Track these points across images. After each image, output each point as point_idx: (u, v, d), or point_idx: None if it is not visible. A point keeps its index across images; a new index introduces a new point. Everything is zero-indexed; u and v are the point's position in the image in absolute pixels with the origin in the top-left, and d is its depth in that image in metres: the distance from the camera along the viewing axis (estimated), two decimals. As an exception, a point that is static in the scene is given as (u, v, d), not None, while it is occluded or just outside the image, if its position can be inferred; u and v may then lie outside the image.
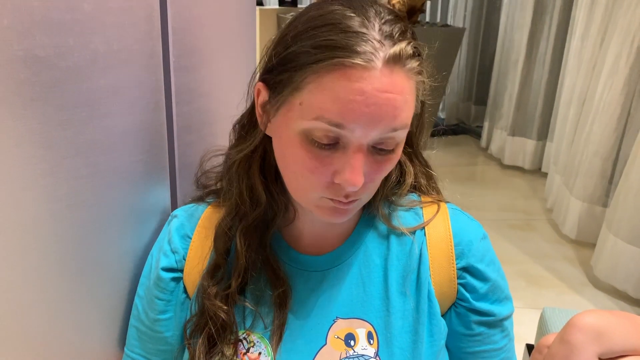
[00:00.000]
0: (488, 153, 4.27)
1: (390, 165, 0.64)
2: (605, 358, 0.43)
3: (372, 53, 0.55)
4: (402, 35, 0.58)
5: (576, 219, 2.75)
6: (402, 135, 0.61)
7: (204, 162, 0.80)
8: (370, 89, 0.55)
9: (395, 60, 0.56)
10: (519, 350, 1.72)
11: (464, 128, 5.01)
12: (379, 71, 0.55)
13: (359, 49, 0.55)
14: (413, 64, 0.58)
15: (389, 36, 0.57)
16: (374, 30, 0.57)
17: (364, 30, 0.56)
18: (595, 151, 2.62)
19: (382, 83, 0.56)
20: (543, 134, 3.80)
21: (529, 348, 1.66)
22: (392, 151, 0.62)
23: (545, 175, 3.70)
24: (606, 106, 2.53)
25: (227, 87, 0.89)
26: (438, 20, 5.44)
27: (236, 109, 0.72)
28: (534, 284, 2.44)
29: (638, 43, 2.39)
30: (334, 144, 0.59)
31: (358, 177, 0.59)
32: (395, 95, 0.57)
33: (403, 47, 0.57)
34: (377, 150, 0.61)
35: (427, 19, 5.46)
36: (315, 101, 0.57)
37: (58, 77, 0.60)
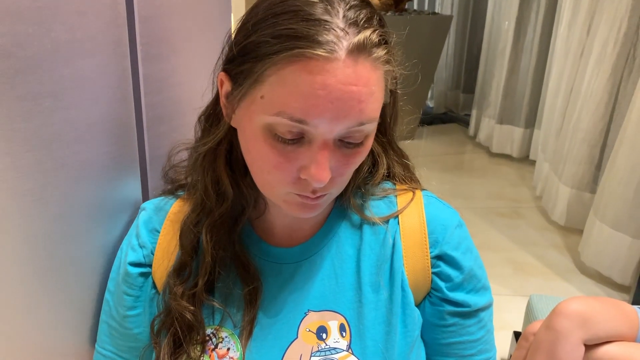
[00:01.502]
0: (476, 141, 4.27)
1: (359, 158, 0.62)
2: (590, 344, 0.43)
3: (334, 43, 0.52)
4: (368, 22, 0.55)
5: (565, 206, 2.76)
6: (370, 128, 0.59)
7: (172, 155, 0.78)
8: (334, 82, 0.53)
9: (360, 49, 0.53)
10: (507, 338, 1.73)
11: (452, 116, 5.00)
12: (342, 62, 0.53)
13: (320, 38, 0.52)
14: (379, 52, 0.55)
15: (354, 23, 0.54)
16: (338, 17, 0.54)
17: (326, 17, 0.53)
18: (583, 138, 2.63)
19: (346, 75, 0.53)
20: (531, 122, 3.80)
21: (517, 335, 1.66)
22: (360, 144, 0.60)
23: (533, 163, 3.71)
24: (594, 93, 2.53)
25: (199, 76, 0.86)
26: (426, 8, 5.42)
27: (201, 99, 0.70)
28: (522, 272, 2.44)
29: (625, 29, 2.38)
30: (299, 139, 0.57)
31: (324, 173, 0.57)
32: (360, 87, 0.54)
33: (368, 35, 0.54)
34: (345, 143, 0.59)
35: (415, 7, 5.45)
36: (276, 95, 0.54)
37: (17, 67, 0.57)
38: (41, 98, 0.61)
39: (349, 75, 0.53)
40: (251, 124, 0.59)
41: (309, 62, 0.52)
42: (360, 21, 0.54)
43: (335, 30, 0.53)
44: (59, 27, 0.61)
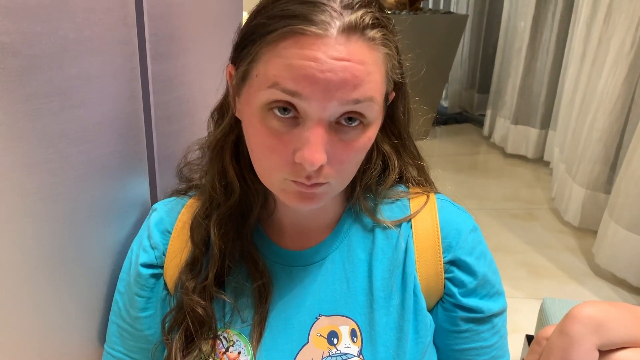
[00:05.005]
0: (491, 142, 4.24)
1: (360, 146, 0.60)
2: (604, 349, 0.43)
3: (327, 22, 0.53)
4: (364, 6, 0.56)
5: (579, 206, 2.74)
6: (368, 110, 0.57)
7: (188, 152, 0.78)
8: (324, 57, 0.53)
9: (351, 28, 0.54)
10: (519, 341, 1.71)
11: (466, 116, 4.97)
12: (333, 39, 0.53)
13: (314, 17, 0.53)
14: (374, 34, 0.55)
15: (348, 6, 0.55)
16: (335, 1, 0.54)
17: (323, 0, 0.54)
18: (598, 138, 2.60)
19: (338, 51, 0.53)
20: (546, 123, 3.76)
21: (529, 339, 1.64)
22: (360, 130, 0.58)
23: (547, 164, 3.68)
24: (610, 93, 2.51)
25: (209, 75, 0.86)
26: (441, 7, 5.39)
27: (214, 97, 0.70)
28: (535, 274, 2.42)
29: (643, 29, 2.36)
30: (293, 119, 0.57)
31: (316, 155, 0.55)
32: (353, 64, 0.54)
33: (359, 15, 0.54)
34: (342, 127, 0.57)
35: (430, 6, 5.42)
36: (270, 70, 0.55)
37: (25, 66, 0.57)
38: (49, 97, 0.60)
39: (340, 51, 0.53)
40: (249, 107, 0.59)
41: (301, 37, 0.53)
42: (355, 4, 0.55)
43: (329, 11, 0.54)
44: (67, 25, 0.61)
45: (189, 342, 0.67)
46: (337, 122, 0.57)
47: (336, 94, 0.54)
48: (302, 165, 0.56)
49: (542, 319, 1.60)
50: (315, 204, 0.62)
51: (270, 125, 0.57)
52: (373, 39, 0.55)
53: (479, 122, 4.71)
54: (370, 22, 0.55)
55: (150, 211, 0.75)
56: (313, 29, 0.53)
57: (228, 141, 0.68)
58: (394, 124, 0.70)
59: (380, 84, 0.58)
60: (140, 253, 0.72)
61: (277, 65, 0.54)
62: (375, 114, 0.59)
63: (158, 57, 0.76)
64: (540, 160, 3.84)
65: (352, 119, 0.57)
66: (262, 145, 0.59)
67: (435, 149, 4.19)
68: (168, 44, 0.78)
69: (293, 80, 0.54)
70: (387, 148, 0.71)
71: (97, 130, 0.67)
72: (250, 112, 0.59)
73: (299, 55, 0.53)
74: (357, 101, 0.55)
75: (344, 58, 0.53)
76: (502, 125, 4.05)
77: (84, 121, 0.65)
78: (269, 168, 0.60)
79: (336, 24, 0.53)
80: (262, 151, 0.60)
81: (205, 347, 0.66)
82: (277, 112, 0.56)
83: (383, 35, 0.57)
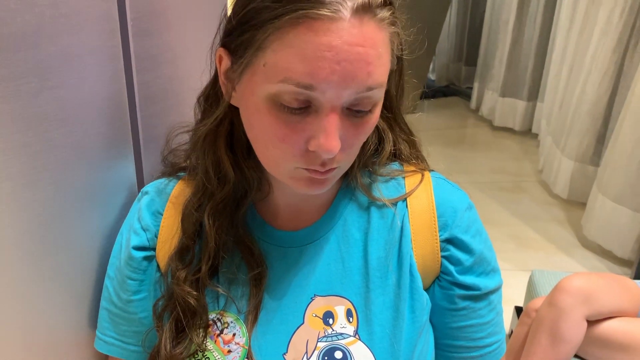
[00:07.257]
0: (478, 115, 4.24)
1: (369, 128, 0.59)
2: (593, 319, 0.43)
3: (338, 3, 0.50)
4: None
5: (568, 179, 2.75)
6: (378, 94, 0.56)
7: (170, 139, 0.76)
8: (340, 43, 0.50)
9: (365, 9, 0.51)
10: (509, 313, 1.73)
11: (454, 90, 4.96)
12: (347, 22, 0.50)
13: None
14: (385, 13, 0.53)
15: None
16: None
17: None
18: (587, 110, 2.60)
19: (352, 35, 0.51)
20: (534, 95, 3.77)
21: (518, 311, 1.66)
22: (369, 112, 0.57)
23: (535, 136, 3.69)
24: (598, 64, 2.50)
25: (195, 52, 0.84)
26: (427, -22, 5.34)
27: (199, 79, 0.67)
28: (524, 246, 2.44)
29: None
30: (305, 108, 0.54)
31: (333, 142, 0.54)
32: (367, 48, 0.52)
33: None
34: (353, 112, 0.56)
35: (416, -22, 5.36)
36: (280, 61, 0.52)
37: (-1, 45, 0.55)
38: (26, 77, 0.58)
39: (355, 35, 0.51)
40: (254, 96, 0.56)
41: (313, 23, 0.50)
42: None
43: None
44: (42, 1, 0.58)
45: (180, 332, 0.66)
46: (348, 108, 0.56)
47: (352, 83, 0.52)
48: (316, 153, 0.56)
49: (531, 291, 1.62)
50: (326, 188, 0.62)
51: (281, 115, 0.55)
52: (383, 19, 0.53)
53: (466, 95, 4.71)
54: (381, 1, 0.53)
55: (140, 194, 0.74)
56: (324, 11, 0.50)
57: (221, 130, 0.65)
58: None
59: (388, 65, 0.57)
60: (131, 236, 0.70)
61: (289, 56, 0.51)
62: (382, 95, 0.58)
63: (141, 34, 0.74)
64: (528, 133, 3.85)
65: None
66: (271, 135, 0.57)
67: (422, 122, 4.17)
68: (151, 20, 0.75)
69: (308, 73, 0.51)
70: (380, 122, 0.70)
71: (78, 111, 0.65)
72: (255, 102, 0.56)
73: (312, 44, 0.50)
74: (370, 88, 0.54)
75: (359, 43, 0.51)
76: (490, 98, 4.04)
77: (64, 102, 0.63)
78: (278, 157, 0.59)
79: (347, 4, 0.50)
80: (271, 141, 0.57)
81: (196, 338, 0.65)
82: (288, 104, 0.54)
83: (392, 13, 0.55)
